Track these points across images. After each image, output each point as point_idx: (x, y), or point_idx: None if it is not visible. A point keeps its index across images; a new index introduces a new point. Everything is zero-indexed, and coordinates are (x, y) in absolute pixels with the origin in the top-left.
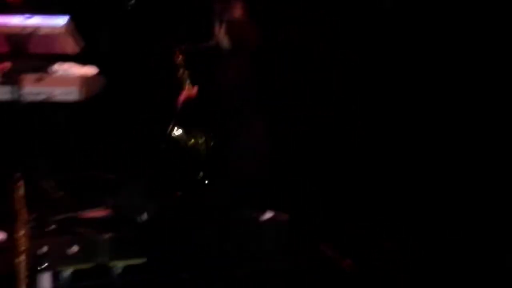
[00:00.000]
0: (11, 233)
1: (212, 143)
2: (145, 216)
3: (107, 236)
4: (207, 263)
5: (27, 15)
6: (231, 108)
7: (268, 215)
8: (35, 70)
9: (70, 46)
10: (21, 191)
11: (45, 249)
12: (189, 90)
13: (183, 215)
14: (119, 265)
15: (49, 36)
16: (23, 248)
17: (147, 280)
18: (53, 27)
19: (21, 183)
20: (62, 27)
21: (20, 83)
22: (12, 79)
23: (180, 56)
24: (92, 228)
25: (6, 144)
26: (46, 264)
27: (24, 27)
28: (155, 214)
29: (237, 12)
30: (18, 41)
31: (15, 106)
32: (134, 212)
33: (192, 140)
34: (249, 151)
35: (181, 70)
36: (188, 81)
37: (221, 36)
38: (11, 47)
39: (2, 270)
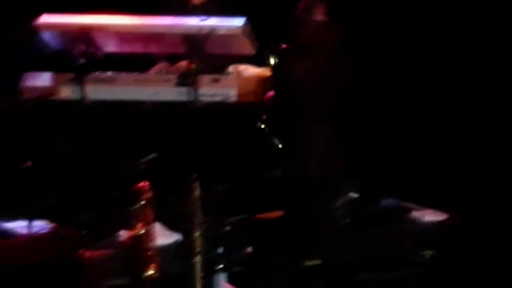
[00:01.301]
0: (187, 234)
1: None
2: None
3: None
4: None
5: (204, 16)
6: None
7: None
8: (210, 71)
9: (246, 47)
10: (197, 193)
11: (220, 250)
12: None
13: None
14: None
15: (226, 38)
16: (198, 249)
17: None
18: (230, 29)
19: (196, 185)
20: (239, 28)
21: (196, 84)
22: (188, 80)
23: (269, 57)
24: (267, 230)
25: (182, 146)
26: (221, 265)
27: (200, 28)
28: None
29: (319, 13)
30: (195, 42)
31: (191, 108)
32: None
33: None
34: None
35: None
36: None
37: (303, 36)
38: (188, 48)
39: None
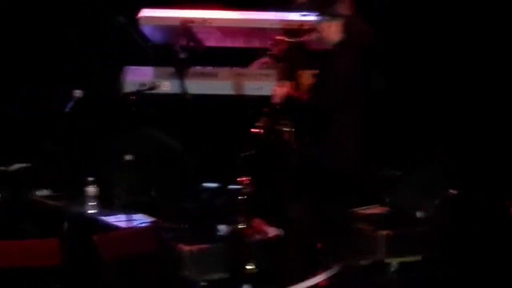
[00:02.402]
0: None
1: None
2: (421, 213)
3: (384, 233)
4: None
5: (305, 12)
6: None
7: None
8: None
9: None
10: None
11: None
12: (283, 85)
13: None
14: (395, 262)
15: None
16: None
17: (422, 278)
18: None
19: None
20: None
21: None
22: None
23: (279, 48)
24: (370, 225)
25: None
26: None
27: (302, 24)
28: (431, 211)
29: (347, 7)
30: (296, 36)
31: None
32: (411, 208)
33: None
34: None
35: (279, 62)
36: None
37: (331, 31)
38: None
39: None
